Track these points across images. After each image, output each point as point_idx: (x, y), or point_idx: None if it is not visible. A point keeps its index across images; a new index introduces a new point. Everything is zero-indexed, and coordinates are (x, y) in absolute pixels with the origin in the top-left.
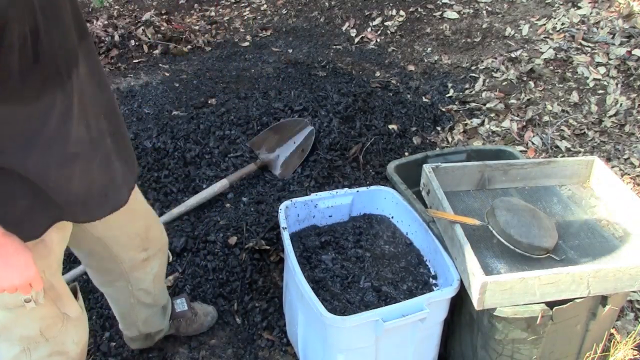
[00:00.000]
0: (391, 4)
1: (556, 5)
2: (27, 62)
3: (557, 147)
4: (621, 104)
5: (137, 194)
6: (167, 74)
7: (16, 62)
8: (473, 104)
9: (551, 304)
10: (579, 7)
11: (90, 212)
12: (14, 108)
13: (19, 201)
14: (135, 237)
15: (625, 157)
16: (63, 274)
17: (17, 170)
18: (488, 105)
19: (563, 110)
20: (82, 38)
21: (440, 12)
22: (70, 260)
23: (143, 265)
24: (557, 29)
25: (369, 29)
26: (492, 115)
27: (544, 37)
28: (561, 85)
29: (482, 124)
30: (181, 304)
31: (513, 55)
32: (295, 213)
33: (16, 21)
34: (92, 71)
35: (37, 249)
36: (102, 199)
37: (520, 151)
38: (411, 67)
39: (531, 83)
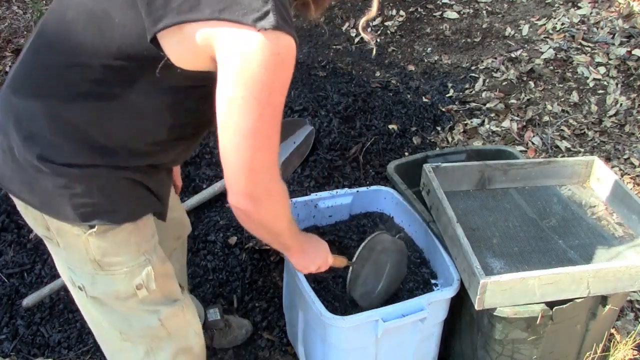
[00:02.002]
0: (391, 4)
1: (556, 5)
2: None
3: (557, 147)
4: (621, 104)
5: None
6: None
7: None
8: (473, 104)
9: (551, 304)
10: (579, 7)
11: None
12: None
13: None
14: (174, 223)
15: (625, 157)
16: (49, 282)
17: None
18: (488, 105)
19: (563, 110)
20: None
21: (440, 12)
22: None
23: (170, 255)
24: (557, 29)
25: (369, 29)
26: (492, 115)
27: (544, 37)
28: (561, 85)
29: (482, 124)
30: (214, 314)
31: (513, 55)
32: (295, 213)
33: None
34: None
35: (139, 228)
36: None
37: (520, 151)
38: (411, 67)
39: (531, 83)
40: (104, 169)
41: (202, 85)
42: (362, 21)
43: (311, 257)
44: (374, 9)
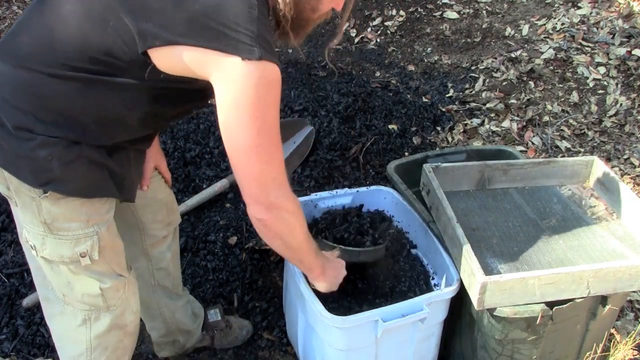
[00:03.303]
0: (391, 4)
1: (556, 5)
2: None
3: (557, 147)
4: (621, 104)
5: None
6: None
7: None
8: (473, 104)
9: (551, 304)
10: (579, 7)
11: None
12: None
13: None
14: (162, 206)
15: (625, 157)
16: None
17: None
18: (488, 105)
19: (563, 110)
20: None
21: (440, 12)
22: None
23: (162, 242)
24: (557, 29)
25: (369, 29)
26: (492, 115)
27: (544, 37)
28: (561, 85)
29: (482, 124)
30: (214, 314)
31: (513, 55)
32: None
33: None
34: None
35: (93, 202)
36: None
37: (520, 151)
38: (411, 67)
39: (531, 83)
40: (66, 142)
41: (183, 84)
42: (327, 48)
43: (332, 277)
44: (339, 35)
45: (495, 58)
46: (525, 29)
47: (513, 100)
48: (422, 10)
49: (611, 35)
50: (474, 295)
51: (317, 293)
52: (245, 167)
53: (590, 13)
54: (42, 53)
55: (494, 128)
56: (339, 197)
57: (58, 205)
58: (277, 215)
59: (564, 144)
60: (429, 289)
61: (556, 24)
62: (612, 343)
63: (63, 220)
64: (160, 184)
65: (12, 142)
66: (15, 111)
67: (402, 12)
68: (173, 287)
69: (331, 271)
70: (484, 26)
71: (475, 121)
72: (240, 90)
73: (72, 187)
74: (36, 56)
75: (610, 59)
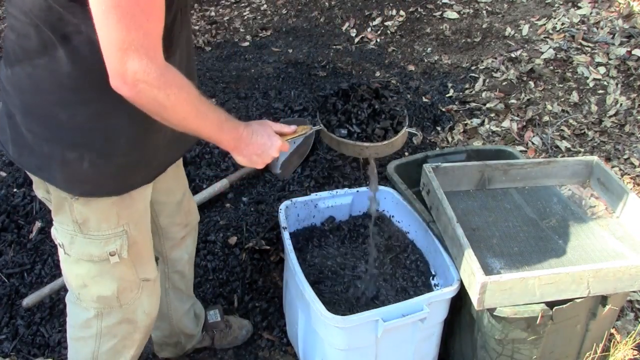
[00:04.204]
0: (391, 4)
1: (556, 5)
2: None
3: (557, 147)
4: (621, 104)
5: (179, 160)
6: None
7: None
8: (473, 104)
9: (551, 304)
10: (579, 7)
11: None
12: None
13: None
14: (178, 208)
15: (625, 157)
16: (49, 282)
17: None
18: (488, 105)
19: (563, 110)
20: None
21: (440, 12)
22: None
23: (180, 244)
24: (557, 29)
25: (369, 29)
26: (492, 115)
27: (544, 37)
28: (561, 85)
29: (482, 124)
30: (214, 315)
31: (513, 55)
32: (295, 213)
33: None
34: (189, 40)
35: (123, 199)
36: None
37: (520, 151)
38: (411, 67)
39: (531, 83)
40: (99, 133)
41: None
42: None
43: (251, 154)
44: None
45: (495, 58)
46: (525, 29)
47: (513, 100)
48: (422, 10)
49: (611, 35)
50: (474, 295)
51: (317, 293)
52: (102, 30)
53: (590, 13)
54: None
55: (494, 128)
56: (339, 197)
57: (89, 207)
58: (140, 91)
59: (564, 144)
60: (429, 289)
61: (556, 24)
62: (612, 343)
63: (94, 221)
64: (175, 182)
65: (41, 147)
66: (40, 113)
67: (402, 12)
68: (186, 289)
69: (251, 147)
70: (484, 26)
71: (475, 121)
72: None
73: (105, 187)
74: (19, 43)
75: (610, 59)
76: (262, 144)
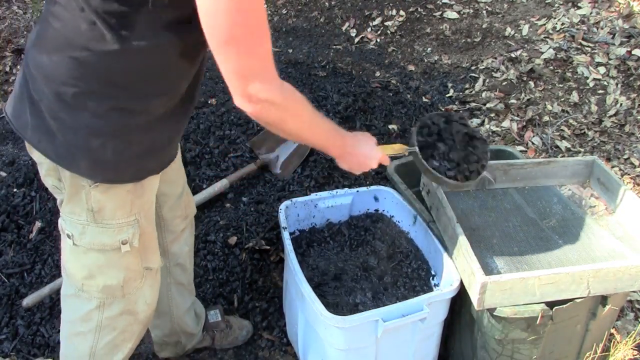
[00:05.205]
0: (391, 4)
1: (556, 5)
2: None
3: (557, 147)
4: (621, 104)
5: (179, 153)
6: None
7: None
8: (473, 104)
9: (551, 304)
10: (579, 7)
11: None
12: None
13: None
14: (179, 200)
15: (625, 157)
16: (49, 282)
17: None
18: (488, 105)
19: (563, 110)
20: None
21: (440, 12)
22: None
23: (180, 237)
24: (557, 29)
25: (369, 29)
26: (492, 115)
27: (544, 37)
28: (561, 85)
29: (482, 124)
30: (214, 315)
31: (513, 55)
32: (295, 213)
33: None
34: None
35: (136, 188)
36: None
37: (520, 151)
38: (411, 67)
39: (531, 83)
40: (121, 120)
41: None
42: None
43: (353, 163)
44: None
45: (495, 58)
46: (525, 29)
47: (513, 100)
48: (422, 10)
49: (611, 35)
50: (474, 295)
51: (318, 293)
52: (223, 62)
53: (590, 13)
54: (72, 26)
55: (494, 128)
56: (339, 197)
57: (107, 194)
58: (263, 108)
59: (564, 144)
60: (429, 289)
61: (556, 24)
62: (612, 343)
63: (109, 209)
64: (177, 175)
65: (64, 134)
66: (67, 99)
67: (402, 12)
68: (187, 284)
69: (354, 157)
70: (484, 26)
71: (475, 121)
72: None
73: (126, 173)
74: (65, 32)
75: (610, 59)
76: (364, 154)
